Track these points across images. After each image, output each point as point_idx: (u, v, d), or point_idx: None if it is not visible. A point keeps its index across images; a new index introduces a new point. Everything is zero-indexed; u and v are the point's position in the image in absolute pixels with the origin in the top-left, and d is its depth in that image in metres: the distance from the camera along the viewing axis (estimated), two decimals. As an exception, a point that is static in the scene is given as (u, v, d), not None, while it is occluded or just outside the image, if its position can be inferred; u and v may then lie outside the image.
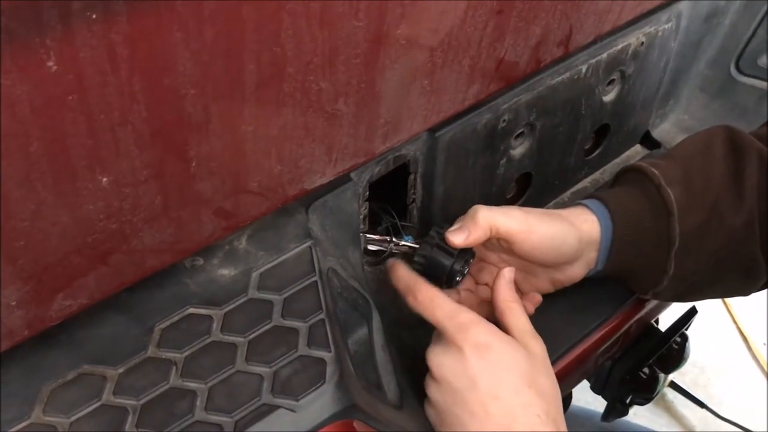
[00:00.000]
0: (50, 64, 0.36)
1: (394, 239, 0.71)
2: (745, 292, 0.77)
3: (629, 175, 0.75)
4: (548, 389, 0.60)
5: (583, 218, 0.71)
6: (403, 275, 0.65)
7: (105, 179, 0.43)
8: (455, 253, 0.67)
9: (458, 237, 0.65)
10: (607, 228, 0.71)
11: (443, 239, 0.67)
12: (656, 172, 0.71)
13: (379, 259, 0.76)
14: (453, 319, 0.61)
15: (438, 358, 0.60)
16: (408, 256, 0.71)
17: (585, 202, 0.73)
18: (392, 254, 0.73)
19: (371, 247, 0.73)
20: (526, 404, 0.58)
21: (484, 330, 0.60)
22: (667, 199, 0.69)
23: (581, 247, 0.70)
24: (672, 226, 0.69)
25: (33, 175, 0.39)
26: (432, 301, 0.62)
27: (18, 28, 0.33)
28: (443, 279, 0.68)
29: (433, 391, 0.61)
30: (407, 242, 0.71)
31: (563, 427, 0.59)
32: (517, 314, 0.64)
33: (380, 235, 0.73)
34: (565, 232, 0.69)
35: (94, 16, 0.35)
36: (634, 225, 0.71)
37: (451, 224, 0.71)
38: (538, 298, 0.74)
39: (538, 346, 0.63)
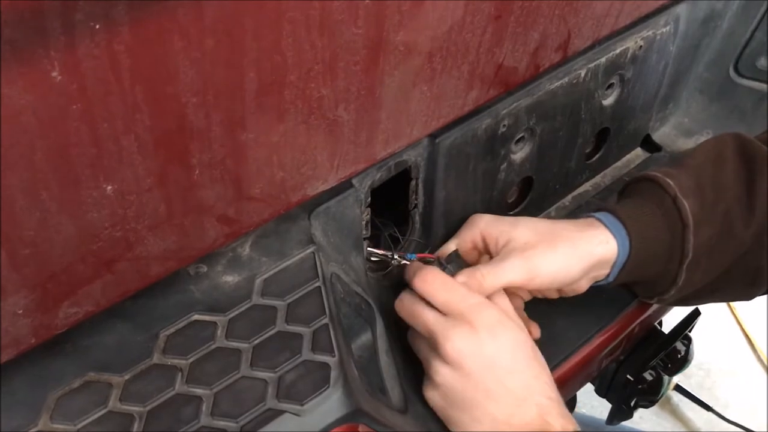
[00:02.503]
0: (54, 74, 0.36)
1: (396, 256, 0.72)
2: (748, 298, 0.77)
3: (642, 185, 0.74)
4: (543, 360, 0.65)
5: (598, 240, 0.69)
6: (414, 265, 0.69)
7: (109, 187, 0.43)
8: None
9: None
10: (624, 246, 0.70)
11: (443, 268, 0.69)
12: (671, 182, 0.70)
13: (380, 265, 0.77)
14: (466, 301, 0.63)
15: (454, 342, 0.61)
16: None
17: (600, 216, 0.72)
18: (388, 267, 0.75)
19: (374, 258, 0.74)
20: (537, 374, 0.62)
21: (494, 311, 0.63)
22: (683, 211, 0.69)
23: (590, 270, 0.70)
24: (687, 239, 0.69)
25: (38, 184, 0.40)
26: (444, 284, 0.64)
27: (22, 39, 0.34)
28: None
29: (445, 374, 0.62)
30: (410, 260, 0.72)
31: (559, 393, 0.64)
32: (504, 300, 0.67)
33: (384, 244, 0.74)
34: (571, 264, 0.69)
35: (97, 27, 0.36)
36: (649, 241, 0.70)
37: (450, 235, 0.74)
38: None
39: (523, 326, 0.66)
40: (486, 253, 0.74)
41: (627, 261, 0.70)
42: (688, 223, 0.69)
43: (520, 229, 0.70)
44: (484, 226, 0.73)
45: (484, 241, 0.73)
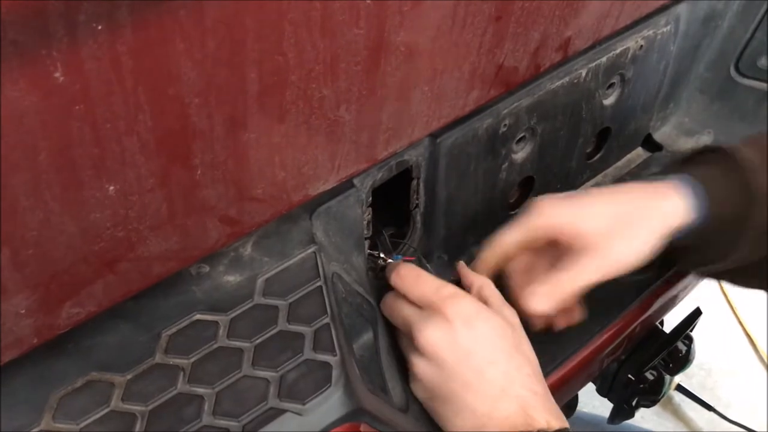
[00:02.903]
0: (57, 75, 0.36)
1: (382, 255, 0.73)
2: None
3: (710, 156, 0.70)
4: (530, 354, 0.63)
5: (674, 212, 0.65)
6: (393, 264, 0.69)
7: (112, 188, 0.43)
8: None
9: (540, 304, 0.64)
10: (698, 210, 0.66)
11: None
12: (745, 155, 0.67)
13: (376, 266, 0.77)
14: (439, 293, 0.62)
15: (428, 334, 0.60)
16: None
17: (677, 180, 0.67)
18: (383, 268, 0.75)
19: None
20: (519, 366, 0.60)
21: (470, 301, 0.62)
22: (754, 184, 0.65)
23: (665, 240, 0.66)
24: (755, 212, 0.65)
25: (41, 185, 0.40)
26: (418, 278, 0.64)
27: (25, 41, 0.34)
28: None
29: (423, 368, 0.61)
30: (396, 261, 0.73)
31: (547, 389, 0.62)
32: (491, 289, 0.67)
33: (383, 246, 0.75)
34: (650, 244, 0.65)
35: (99, 28, 0.36)
36: (722, 212, 0.66)
37: (452, 235, 0.73)
38: (576, 318, 0.72)
39: (514, 316, 0.65)
40: (545, 246, 0.69)
41: (697, 226, 0.66)
42: (759, 196, 0.65)
43: (589, 219, 0.66)
44: (551, 216, 0.67)
45: (548, 231, 0.67)
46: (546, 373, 0.64)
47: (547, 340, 0.72)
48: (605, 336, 0.80)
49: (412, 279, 0.64)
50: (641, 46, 0.87)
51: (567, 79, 0.80)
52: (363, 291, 0.67)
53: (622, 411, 1.07)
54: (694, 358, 1.06)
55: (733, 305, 2.03)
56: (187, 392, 0.51)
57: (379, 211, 0.72)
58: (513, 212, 0.88)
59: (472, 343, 0.60)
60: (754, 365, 1.94)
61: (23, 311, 0.44)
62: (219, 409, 0.50)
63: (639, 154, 1.05)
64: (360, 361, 0.62)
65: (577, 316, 0.72)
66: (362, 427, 0.53)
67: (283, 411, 0.50)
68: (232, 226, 0.53)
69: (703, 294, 1.87)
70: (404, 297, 0.65)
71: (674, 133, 1.07)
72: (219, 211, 0.51)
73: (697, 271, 0.76)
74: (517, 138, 0.79)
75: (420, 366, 0.61)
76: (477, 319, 0.61)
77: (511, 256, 0.71)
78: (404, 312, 0.64)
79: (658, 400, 1.05)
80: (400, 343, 0.67)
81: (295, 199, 0.56)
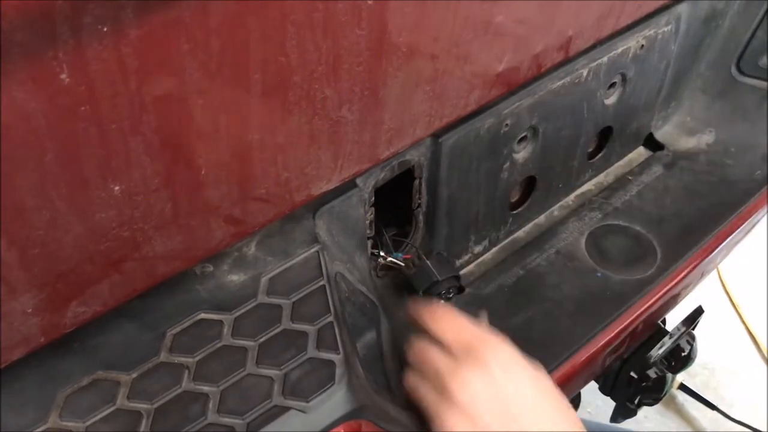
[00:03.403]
0: (63, 76, 0.37)
1: (382, 253, 0.74)
2: None
3: None
4: (573, 412, 0.57)
5: None
6: (422, 303, 0.64)
7: (117, 188, 0.44)
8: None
9: None
10: None
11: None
12: None
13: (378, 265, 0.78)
14: (478, 337, 0.57)
15: (463, 380, 0.53)
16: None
17: None
18: (383, 266, 0.77)
19: None
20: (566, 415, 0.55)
21: (509, 349, 0.57)
22: None
23: None
24: None
25: (47, 185, 0.40)
26: (455, 320, 0.59)
27: (32, 43, 0.35)
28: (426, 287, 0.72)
29: (453, 423, 0.53)
30: (395, 259, 0.74)
31: None
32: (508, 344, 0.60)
33: (385, 245, 0.76)
34: None
35: (104, 30, 0.36)
36: None
37: (454, 234, 0.73)
38: None
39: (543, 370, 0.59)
40: None
41: None
42: None
43: None
44: None
45: None
46: (548, 371, 0.64)
47: (549, 338, 0.73)
48: (607, 334, 0.80)
49: (449, 321, 0.59)
50: (642, 45, 0.87)
51: (568, 78, 0.80)
52: (366, 290, 0.67)
53: (625, 409, 1.07)
54: (696, 356, 1.06)
55: (735, 304, 2.03)
56: (192, 390, 0.51)
57: (382, 211, 0.72)
58: (514, 212, 0.88)
59: (513, 400, 0.53)
60: (757, 364, 1.94)
61: (30, 310, 0.45)
62: (224, 407, 0.50)
63: (641, 153, 1.05)
64: (363, 360, 0.63)
65: None
66: (365, 425, 0.53)
67: (287, 409, 0.51)
68: (236, 225, 0.54)
69: (706, 292, 1.88)
70: (436, 343, 0.59)
71: (676, 132, 1.07)
72: (223, 210, 0.52)
73: None
74: (519, 138, 0.79)
75: (452, 423, 0.53)
76: (516, 368, 0.55)
77: None
78: (437, 359, 0.57)
79: (661, 399, 1.05)
80: (416, 393, 0.59)
81: (298, 199, 0.57)
